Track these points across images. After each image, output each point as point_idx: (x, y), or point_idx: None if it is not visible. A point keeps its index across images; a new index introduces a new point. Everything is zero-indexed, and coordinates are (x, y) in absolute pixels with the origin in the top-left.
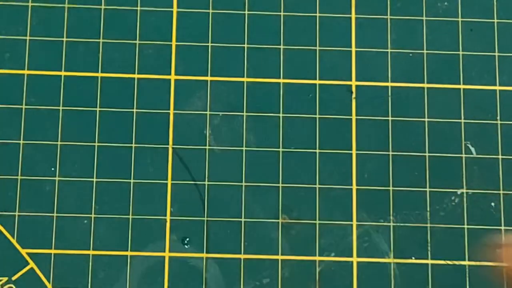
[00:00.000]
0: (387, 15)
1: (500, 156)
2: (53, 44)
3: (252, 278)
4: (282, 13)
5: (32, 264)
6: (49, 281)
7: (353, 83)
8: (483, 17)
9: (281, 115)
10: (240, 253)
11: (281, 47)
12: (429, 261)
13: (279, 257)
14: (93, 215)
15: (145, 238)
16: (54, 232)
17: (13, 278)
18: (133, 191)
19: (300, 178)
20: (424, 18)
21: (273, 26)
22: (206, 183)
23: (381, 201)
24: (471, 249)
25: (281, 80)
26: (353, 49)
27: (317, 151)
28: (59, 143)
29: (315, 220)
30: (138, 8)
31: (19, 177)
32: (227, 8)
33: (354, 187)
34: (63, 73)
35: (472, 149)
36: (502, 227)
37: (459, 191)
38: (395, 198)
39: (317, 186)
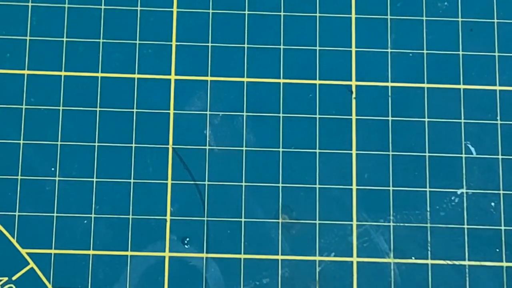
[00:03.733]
0: (387, 15)
1: (500, 156)
2: (53, 44)
3: (252, 278)
4: (282, 13)
5: (32, 264)
6: (49, 281)
7: (353, 83)
8: (483, 17)
9: (281, 115)
10: (240, 253)
11: (281, 47)
12: (429, 261)
13: (279, 257)
14: (93, 215)
15: (145, 238)
16: (54, 232)
17: (13, 278)
18: (133, 191)
19: (300, 178)
20: (424, 18)
21: (273, 26)
22: (206, 183)
23: (381, 201)
24: (471, 249)
25: (281, 80)
26: (353, 49)
27: (317, 151)
28: (59, 143)
29: (315, 220)
30: (138, 8)
31: (19, 177)
32: (227, 8)
33: (354, 187)
34: (63, 73)
35: (472, 149)
36: (502, 227)
37: (459, 191)
38: (395, 198)
39: (317, 186)
